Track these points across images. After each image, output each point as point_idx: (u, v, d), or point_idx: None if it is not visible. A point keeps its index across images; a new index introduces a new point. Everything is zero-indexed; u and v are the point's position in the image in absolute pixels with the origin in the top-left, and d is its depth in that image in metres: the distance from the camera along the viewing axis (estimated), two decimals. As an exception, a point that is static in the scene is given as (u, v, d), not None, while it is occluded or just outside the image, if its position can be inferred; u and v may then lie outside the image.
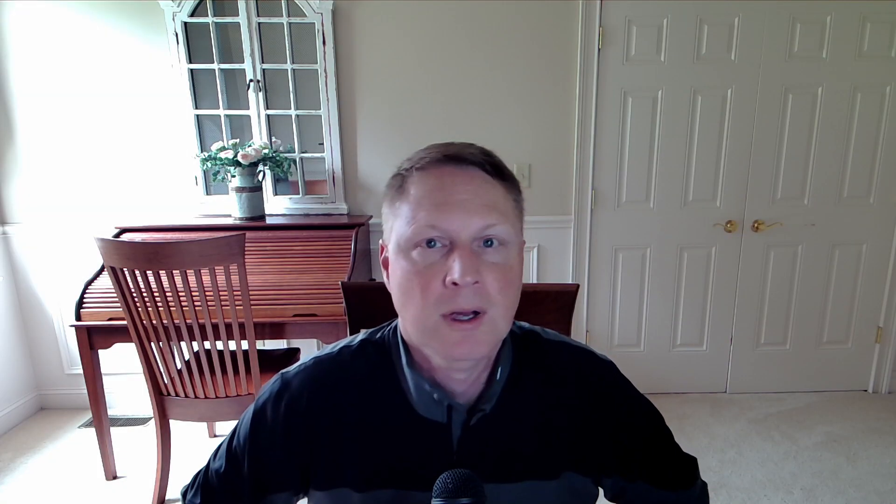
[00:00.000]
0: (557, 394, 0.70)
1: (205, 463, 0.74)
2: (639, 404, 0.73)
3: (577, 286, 1.05)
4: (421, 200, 0.59)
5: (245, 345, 1.84)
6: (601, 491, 0.76)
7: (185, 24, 2.33)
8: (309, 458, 0.68)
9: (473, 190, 0.59)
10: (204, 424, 2.46)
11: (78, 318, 1.92)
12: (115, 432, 2.32)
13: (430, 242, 0.58)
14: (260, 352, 1.95)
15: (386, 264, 0.65)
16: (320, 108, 2.42)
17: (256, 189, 2.33)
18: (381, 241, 0.67)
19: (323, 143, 2.47)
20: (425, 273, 0.58)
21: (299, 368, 0.70)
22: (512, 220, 0.61)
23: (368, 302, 1.05)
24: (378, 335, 0.72)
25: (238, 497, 0.70)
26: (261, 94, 2.41)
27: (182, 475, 2.09)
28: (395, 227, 0.61)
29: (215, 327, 1.78)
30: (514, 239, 0.61)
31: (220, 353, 1.83)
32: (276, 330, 1.96)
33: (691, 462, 0.77)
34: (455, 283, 0.56)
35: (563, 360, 0.72)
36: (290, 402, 0.68)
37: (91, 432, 2.29)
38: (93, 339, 1.95)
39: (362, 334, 0.73)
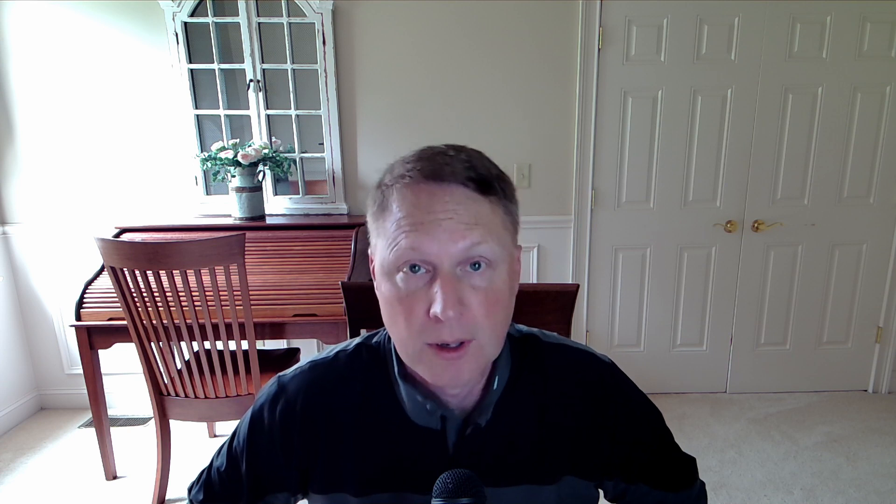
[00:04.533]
0: (557, 397, 0.69)
1: (209, 460, 0.76)
2: (640, 405, 0.73)
3: (577, 286, 1.05)
4: (400, 222, 0.56)
5: (245, 345, 1.84)
6: (601, 493, 0.76)
7: (185, 24, 2.33)
8: (306, 462, 0.68)
9: (454, 209, 0.56)
10: (204, 424, 2.46)
11: (78, 318, 1.92)
12: (115, 432, 2.32)
13: (413, 267, 0.56)
14: (260, 352, 1.95)
15: (374, 275, 0.64)
16: (320, 108, 2.42)
17: (256, 189, 2.33)
18: (369, 251, 0.65)
19: (323, 143, 2.47)
20: (408, 300, 0.56)
21: (296, 372, 0.71)
22: (499, 235, 0.58)
23: (368, 302, 1.05)
24: (374, 339, 0.72)
25: (237, 496, 0.71)
26: (261, 94, 2.41)
27: (182, 475, 2.09)
28: (378, 247, 0.60)
29: (215, 327, 1.78)
30: (501, 257, 0.58)
31: (220, 353, 1.83)
32: (276, 330, 1.96)
33: (690, 462, 0.77)
34: (437, 317, 0.55)
35: (562, 363, 0.71)
36: (286, 407, 0.68)
37: (91, 432, 2.29)
38: (93, 339, 1.95)
39: (359, 338, 0.73)
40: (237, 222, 2.32)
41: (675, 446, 0.76)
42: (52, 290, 2.58)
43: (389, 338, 0.69)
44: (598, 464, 0.70)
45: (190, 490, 0.76)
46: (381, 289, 0.60)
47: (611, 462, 0.71)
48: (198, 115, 2.44)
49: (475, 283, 0.57)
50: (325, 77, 2.38)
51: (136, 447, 2.35)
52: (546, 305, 1.03)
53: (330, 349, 0.73)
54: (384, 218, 0.59)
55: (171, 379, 1.88)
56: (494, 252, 0.57)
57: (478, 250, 0.56)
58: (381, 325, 0.74)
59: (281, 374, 0.72)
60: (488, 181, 0.58)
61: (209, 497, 0.73)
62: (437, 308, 0.54)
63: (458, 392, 0.65)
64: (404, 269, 0.56)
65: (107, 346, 1.97)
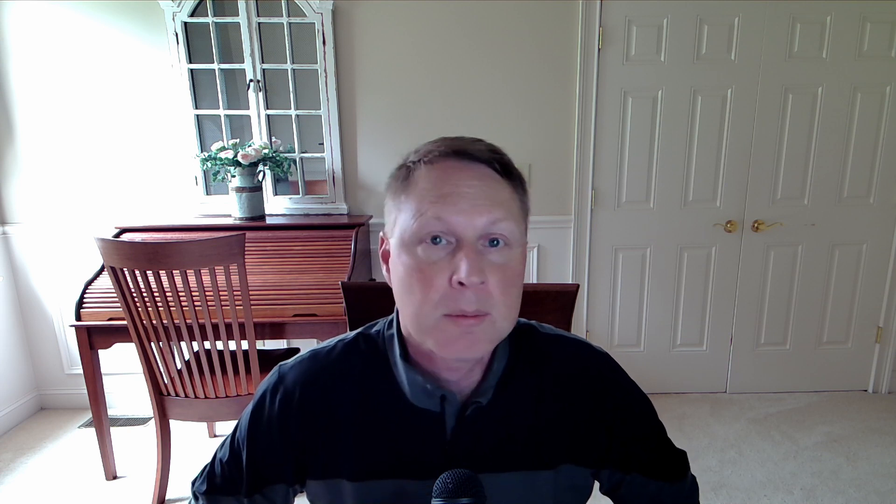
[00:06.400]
0: (554, 386, 0.70)
1: (214, 452, 0.77)
2: (634, 395, 0.74)
3: (577, 286, 1.05)
4: (426, 194, 0.58)
5: (245, 345, 1.84)
6: (596, 486, 0.77)
7: (185, 24, 2.33)
8: (304, 451, 0.69)
9: (479, 185, 0.58)
10: (204, 424, 2.46)
11: (78, 318, 1.92)
12: (115, 432, 2.32)
13: (435, 239, 0.57)
14: (260, 352, 1.95)
15: (386, 257, 0.65)
16: (320, 108, 2.42)
17: (256, 189, 2.33)
18: (381, 234, 0.66)
19: (323, 143, 2.47)
20: (429, 270, 0.57)
21: (296, 362, 0.72)
22: (517, 219, 0.61)
23: (368, 302, 1.05)
24: (373, 329, 0.73)
25: (237, 487, 0.72)
26: (261, 94, 2.41)
27: (182, 475, 2.09)
28: (398, 221, 0.61)
29: (215, 327, 1.78)
30: (518, 239, 0.60)
31: (220, 353, 1.83)
32: (276, 330, 1.96)
33: (682, 454, 0.78)
34: (461, 283, 0.56)
35: (560, 354, 0.72)
36: (285, 396, 0.69)
37: (91, 432, 2.29)
38: (93, 339, 1.95)
39: (359, 329, 0.75)
40: (237, 222, 2.32)
41: (668, 439, 0.77)
42: (52, 290, 2.57)
43: (389, 324, 0.71)
44: (594, 452, 0.71)
45: (194, 482, 0.77)
46: (399, 262, 0.60)
47: (606, 451, 0.72)
48: (198, 115, 2.44)
49: (494, 259, 0.58)
50: (325, 77, 2.38)
51: (136, 447, 2.35)
52: (546, 305, 1.03)
53: (331, 339, 0.74)
54: (408, 192, 0.60)
55: (171, 379, 1.88)
56: (513, 232, 0.59)
57: (499, 227, 0.58)
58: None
59: (282, 362, 0.73)
60: (510, 167, 0.62)
61: (211, 488, 0.74)
62: (461, 274, 0.55)
63: (459, 370, 0.65)
64: (426, 241, 0.58)
65: (107, 346, 1.97)
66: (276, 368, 0.72)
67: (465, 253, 0.56)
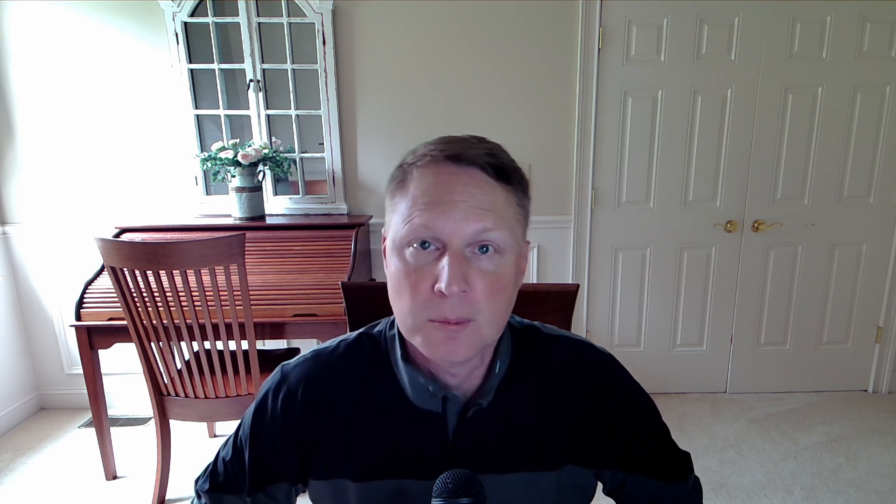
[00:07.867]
0: (556, 387, 0.70)
1: (217, 451, 0.78)
2: (637, 396, 0.74)
3: (577, 286, 1.05)
4: (417, 199, 0.58)
5: (245, 345, 1.84)
6: (599, 487, 0.77)
7: (185, 24, 2.33)
8: (306, 450, 0.69)
9: (472, 192, 0.57)
10: (204, 424, 2.46)
11: (78, 318, 1.92)
12: (115, 432, 2.32)
13: (423, 244, 0.57)
14: (260, 352, 1.95)
15: (385, 254, 0.66)
16: (320, 108, 2.42)
17: (256, 189, 2.33)
18: (382, 231, 0.67)
19: (323, 143, 2.47)
20: (416, 274, 0.58)
21: (298, 361, 0.72)
22: (510, 225, 0.59)
23: (368, 302, 1.04)
24: (376, 329, 0.73)
25: (240, 486, 0.72)
26: (261, 94, 2.41)
27: (182, 475, 2.09)
28: (392, 223, 0.61)
29: (215, 327, 1.78)
30: (510, 245, 0.59)
31: (220, 353, 1.83)
32: (276, 330, 1.96)
33: (685, 455, 0.78)
34: (442, 292, 0.56)
35: (562, 354, 0.72)
36: (287, 395, 0.70)
37: (91, 432, 2.29)
38: (93, 339, 1.95)
39: (362, 329, 0.75)
40: (237, 222, 2.32)
41: (672, 440, 0.77)
42: (52, 290, 2.57)
43: (391, 324, 0.71)
44: (596, 453, 0.71)
45: (197, 481, 0.77)
46: (391, 263, 0.61)
47: (609, 451, 0.72)
48: (198, 115, 2.44)
49: (482, 265, 0.58)
50: (325, 77, 2.38)
51: (136, 447, 2.35)
52: (546, 305, 1.03)
53: (333, 339, 0.74)
54: (402, 195, 0.60)
55: (171, 379, 1.88)
56: (504, 240, 0.58)
57: (488, 235, 0.57)
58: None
59: (285, 362, 0.73)
60: (506, 170, 0.60)
61: (214, 487, 0.74)
62: (442, 283, 0.55)
63: (460, 371, 0.65)
64: (414, 245, 0.58)
65: (107, 346, 1.97)
66: (278, 368, 0.73)
67: (448, 261, 0.56)
